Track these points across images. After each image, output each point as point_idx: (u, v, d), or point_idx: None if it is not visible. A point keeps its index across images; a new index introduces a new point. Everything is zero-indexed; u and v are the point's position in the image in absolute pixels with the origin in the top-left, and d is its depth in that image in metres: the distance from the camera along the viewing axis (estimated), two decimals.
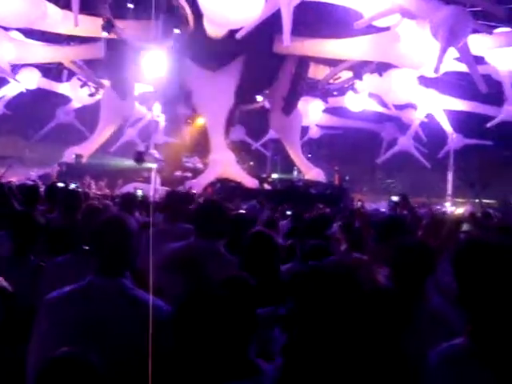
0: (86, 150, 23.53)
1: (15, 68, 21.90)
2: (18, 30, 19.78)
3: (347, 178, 24.28)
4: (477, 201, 23.38)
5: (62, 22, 17.40)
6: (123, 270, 2.62)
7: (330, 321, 1.87)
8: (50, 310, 2.49)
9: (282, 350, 1.98)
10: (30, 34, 20.46)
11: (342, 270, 2.01)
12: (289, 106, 23.50)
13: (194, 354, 1.81)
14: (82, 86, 24.25)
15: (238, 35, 15.03)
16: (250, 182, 20.54)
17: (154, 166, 18.87)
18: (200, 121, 24.15)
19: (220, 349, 1.78)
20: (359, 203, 13.24)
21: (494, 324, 1.87)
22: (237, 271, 3.27)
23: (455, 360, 1.94)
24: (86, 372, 1.94)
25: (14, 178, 12.94)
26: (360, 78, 21.42)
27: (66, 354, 2.00)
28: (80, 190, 8.07)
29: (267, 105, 25.80)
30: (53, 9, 17.13)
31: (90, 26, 18.10)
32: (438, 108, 23.85)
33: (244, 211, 7.50)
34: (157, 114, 26.22)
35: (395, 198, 8.92)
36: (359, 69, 20.88)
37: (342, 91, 24.25)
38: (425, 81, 20.94)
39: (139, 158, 19.29)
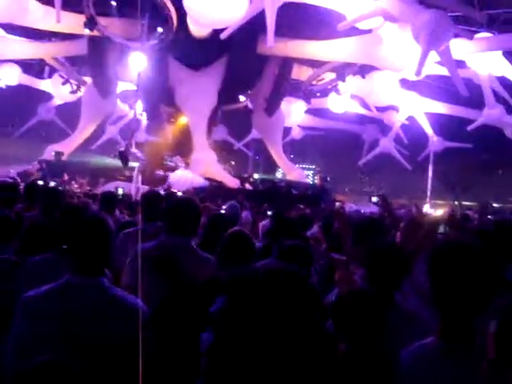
0: (66, 147, 23.35)
1: None
2: None
3: (328, 178, 24.38)
4: (456, 203, 23.64)
5: (43, 18, 17.25)
6: (102, 268, 2.62)
7: (254, 323, 1.88)
8: (27, 308, 2.48)
9: (208, 350, 1.98)
10: (10, 29, 20.23)
11: (265, 276, 2.01)
12: (271, 106, 23.57)
13: (172, 352, 1.80)
14: (63, 83, 24.07)
15: (222, 35, 15.03)
16: (232, 182, 20.57)
17: (135, 164, 18.75)
18: (183, 120, 24.12)
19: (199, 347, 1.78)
20: (338, 204, 13.30)
21: (463, 324, 1.92)
22: (212, 268, 3.29)
23: (425, 358, 1.99)
24: (64, 381, 1.93)
25: None
26: (343, 80, 21.54)
27: (44, 362, 2.00)
28: (60, 188, 8.01)
29: (250, 105, 25.83)
30: (34, 4, 16.97)
31: (73, 22, 17.95)
32: (419, 111, 24.09)
33: (224, 211, 7.53)
34: (139, 112, 26.10)
35: (375, 199, 8.98)
36: (342, 70, 21.00)
37: (324, 92, 24.34)
38: (406, 83, 21.12)
39: (124, 158, 19.00)
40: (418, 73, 13.23)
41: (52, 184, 9.36)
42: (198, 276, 3.08)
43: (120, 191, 10.60)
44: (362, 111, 26.41)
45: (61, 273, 2.58)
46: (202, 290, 2.34)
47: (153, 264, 3.14)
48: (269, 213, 8.84)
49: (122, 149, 19.86)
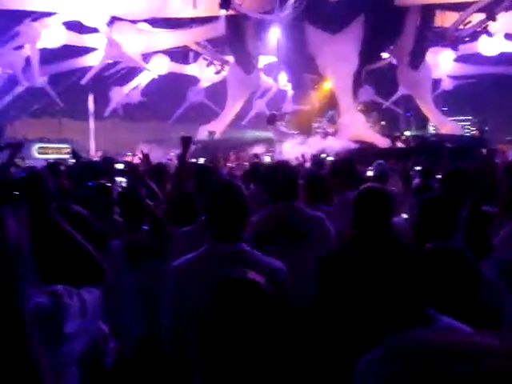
0: (218, 126, 24.34)
1: (147, 57, 23.11)
2: (144, 21, 20.76)
3: (486, 128, 22.90)
4: None
5: (181, 6, 18.05)
6: (240, 234, 2.72)
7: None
8: (175, 275, 2.68)
9: None
10: (154, 23, 21.44)
11: None
12: (416, 59, 22.53)
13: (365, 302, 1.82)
14: (208, 65, 25.09)
15: None
16: (382, 142, 20.13)
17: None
18: (327, 85, 23.93)
19: (394, 297, 1.79)
20: (484, 151, 12.36)
21: None
22: (323, 224, 3.32)
23: None
24: (259, 293, 1.99)
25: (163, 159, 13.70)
26: (493, 19, 19.96)
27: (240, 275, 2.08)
28: (211, 164, 8.38)
29: (394, 61, 24.96)
30: None
31: (208, 6, 18.54)
32: None
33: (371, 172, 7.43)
34: (283, 83, 26.43)
35: None
36: (492, 8, 19.45)
37: (473, 36, 22.77)
38: None
39: (271, 119, 19.64)
40: None
41: (202, 161, 9.85)
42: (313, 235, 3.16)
43: (267, 159, 10.95)
44: None
45: (203, 243, 2.73)
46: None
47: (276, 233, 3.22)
48: (417, 168, 8.53)
49: (275, 112, 20.39)
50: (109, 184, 4.52)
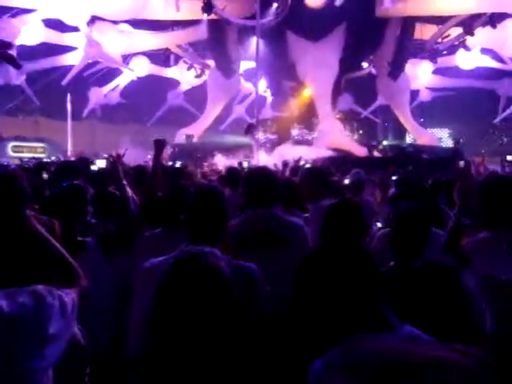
0: (196, 130, 24.31)
1: (126, 58, 23.01)
2: (126, 21, 20.67)
3: (461, 140, 23.22)
4: None
5: (164, 8, 18.00)
6: (217, 238, 2.70)
7: None
8: (147, 275, 2.64)
9: None
10: (136, 24, 21.34)
11: None
12: (395, 70, 22.79)
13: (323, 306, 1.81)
14: (188, 69, 25.07)
15: (338, 2, 14.74)
16: (359, 151, 20.26)
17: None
18: (306, 92, 24.07)
19: (350, 301, 1.77)
20: (462, 163, 12.52)
21: None
22: (302, 232, 3.34)
23: None
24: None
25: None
26: (471, 33, 20.27)
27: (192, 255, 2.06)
28: (187, 168, 8.35)
29: (373, 71, 25.21)
30: None
31: (191, 9, 18.54)
32: None
33: (348, 180, 7.46)
34: (263, 89, 26.52)
35: (510, 158, 8.40)
36: (470, 23, 19.76)
37: (451, 49, 23.12)
38: None
39: (248, 129, 19.77)
40: None
41: (178, 165, 9.80)
42: (291, 241, 3.16)
43: (245, 164, 10.91)
44: (496, 65, 24.69)
45: (174, 246, 2.70)
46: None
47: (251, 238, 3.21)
48: (393, 178, 8.59)
49: (252, 122, 20.46)
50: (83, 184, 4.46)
